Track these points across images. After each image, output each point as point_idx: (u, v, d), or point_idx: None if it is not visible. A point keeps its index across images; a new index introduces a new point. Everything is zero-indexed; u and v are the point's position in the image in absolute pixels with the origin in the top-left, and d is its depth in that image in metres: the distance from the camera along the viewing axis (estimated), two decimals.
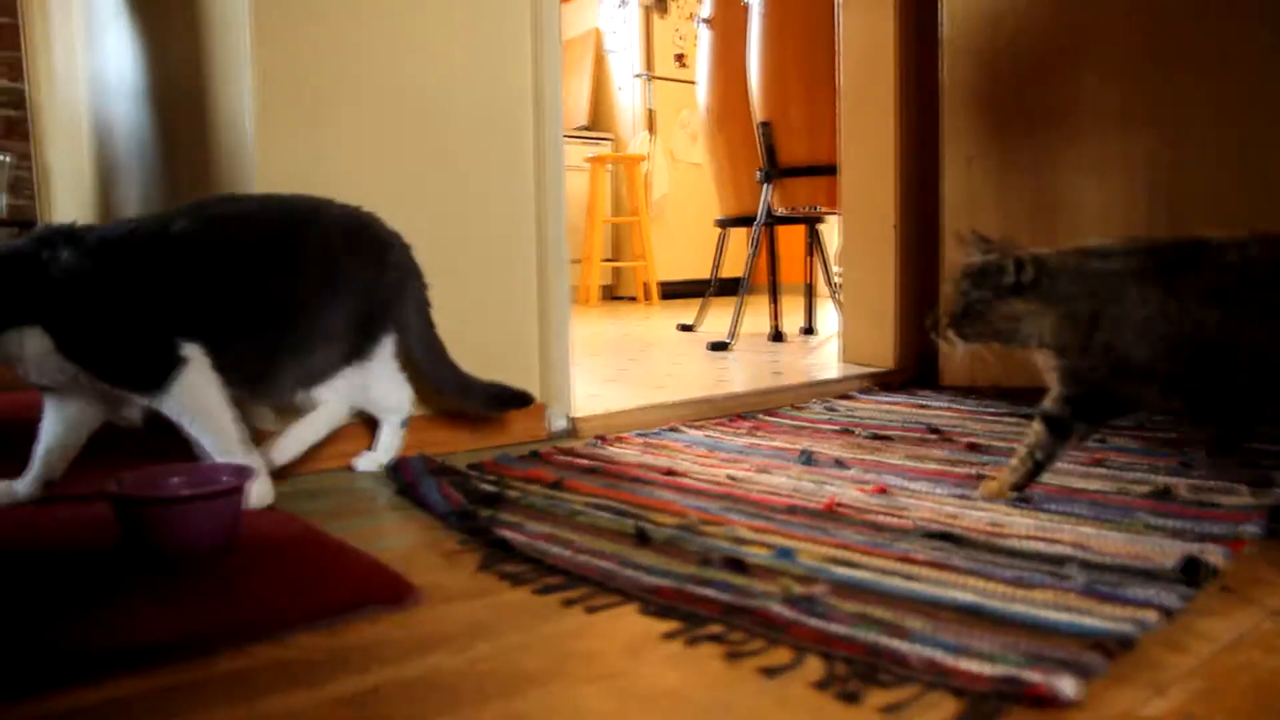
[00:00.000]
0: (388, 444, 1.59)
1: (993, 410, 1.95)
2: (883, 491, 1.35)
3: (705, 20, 3.59)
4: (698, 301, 4.15)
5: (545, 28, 1.80)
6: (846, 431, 1.78)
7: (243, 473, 1.19)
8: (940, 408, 2.01)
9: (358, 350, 1.50)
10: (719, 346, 3.13)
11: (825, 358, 2.85)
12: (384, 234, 1.53)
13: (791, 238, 4.44)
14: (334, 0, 1.58)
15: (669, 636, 0.87)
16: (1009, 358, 2.10)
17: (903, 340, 2.45)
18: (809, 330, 3.61)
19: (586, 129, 6.43)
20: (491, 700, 0.75)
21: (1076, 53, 2.10)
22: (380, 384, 1.56)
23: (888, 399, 2.16)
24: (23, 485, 1.39)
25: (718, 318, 4.10)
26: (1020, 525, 1.17)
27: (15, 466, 1.40)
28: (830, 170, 3.08)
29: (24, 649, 0.86)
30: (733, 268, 4.76)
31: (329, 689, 0.78)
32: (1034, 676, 0.74)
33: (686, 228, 6.25)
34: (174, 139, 1.97)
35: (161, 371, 1.30)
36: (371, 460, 1.58)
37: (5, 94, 3.46)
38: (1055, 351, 1.28)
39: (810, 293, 3.69)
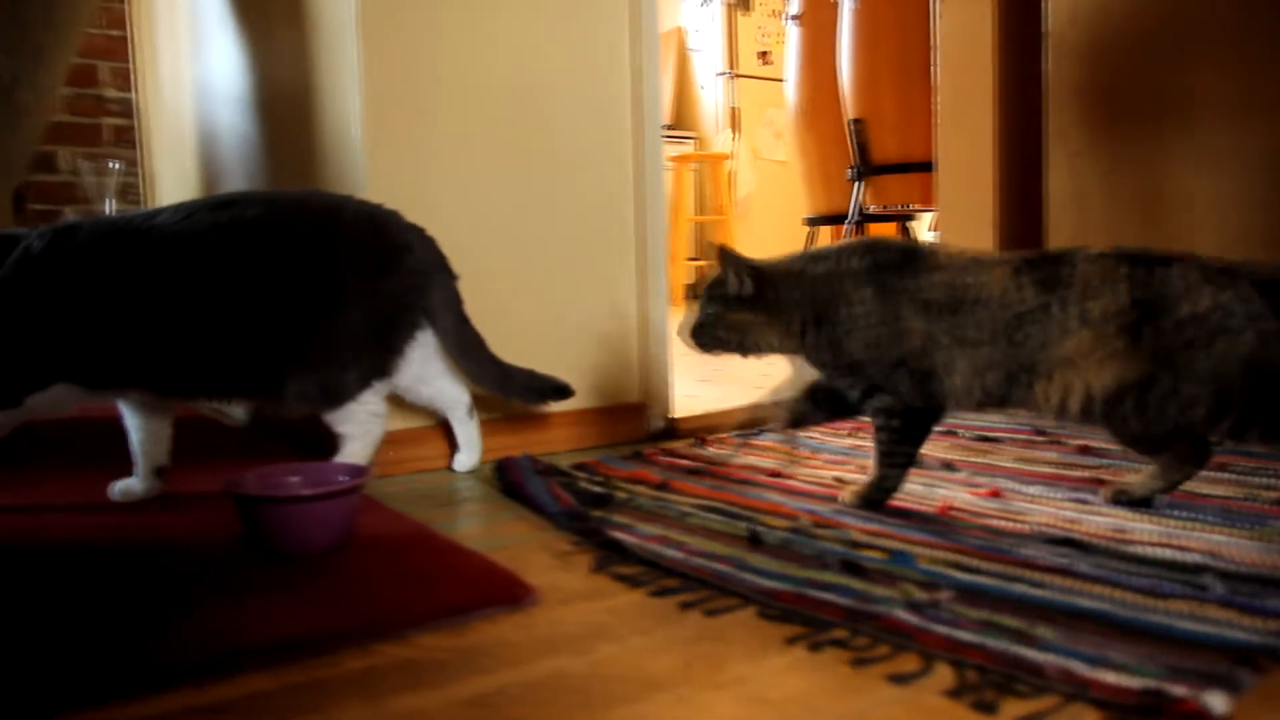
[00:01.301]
0: (467, 439, 1.60)
1: None
2: (997, 495, 1.32)
3: (794, 17, 3.56)
4: None
5: (644, 25, 1.80)
6: (950, 433, 1.75)
7: (359, 472, 1.21)
8: None
9: (381, 368, 1.45)
10: None
11: None
12: (399, 237, 1.47)
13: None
14: (438, 4, 1.60)
15: (791, 641, 0.86)
16: None
17: None
18: None
19: (670, 128, 6.42)
20: (620, 704, 0.75)
21: (1189, 42, 2.03)
22: (430, 384, 1.55)
23: None
24: (138, 481, 1.43)
25: None
26: (1146, 531, 1.13)
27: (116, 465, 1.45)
28: (924, 167, 3.03)
29: (157, 644, 0.89)
30: None
31: (455, 689, 0.79)
32: (1180, 690, 0.71)
33: (771, 226, 6.21)
34: (278, 144, 2.01)
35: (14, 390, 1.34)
36: (465, 460, 1.59)
37: (116, 103, 3.58)
38: (812, 361, 1.33)
39: None
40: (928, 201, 3.11)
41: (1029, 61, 2.28)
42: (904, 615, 0.89)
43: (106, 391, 1.40)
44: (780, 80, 5.62)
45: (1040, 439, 1.67)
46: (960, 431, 1.74)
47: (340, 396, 1.42)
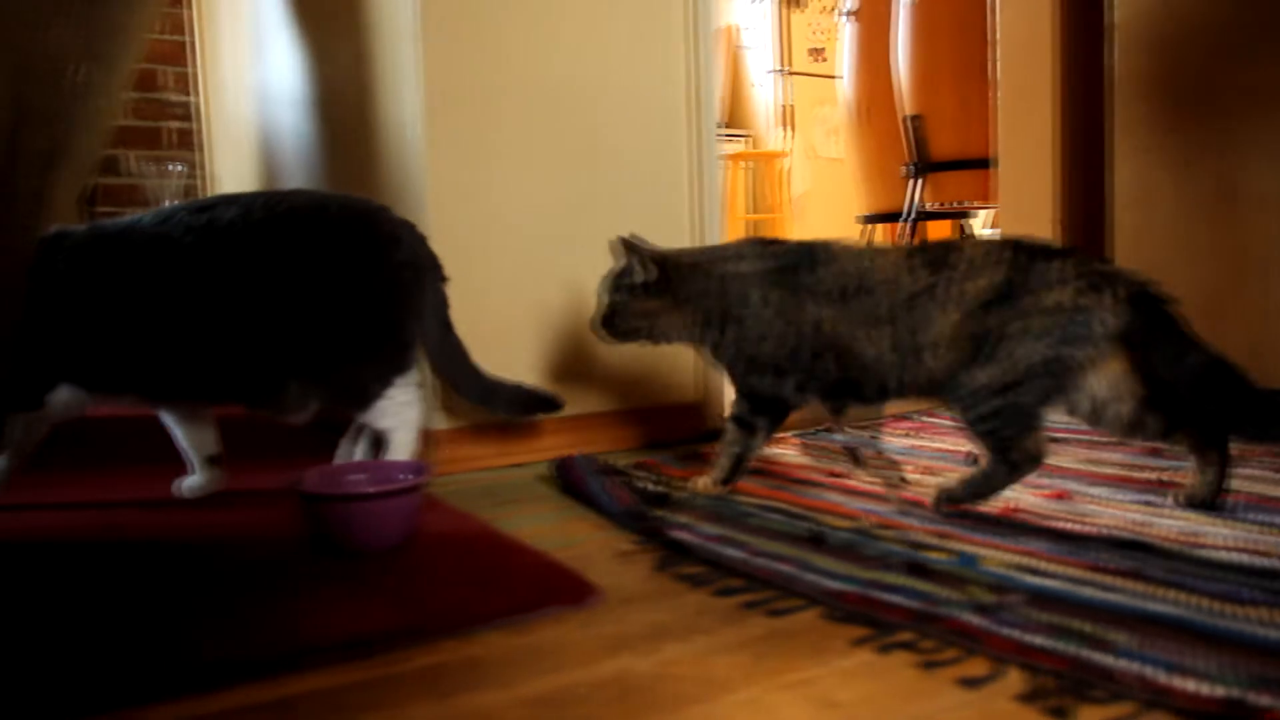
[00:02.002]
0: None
1: None
2: (1063, 497, 1.29)
3: (849, 13, 3.54)
4: None
5: (700, 24, 1.80)
6: None
7: (422, 470, 1.22)
8: None
9: (397, 363, 1.42)
10: None
11: None
12: (387, 230, 1.43)
13: (935, 234, 4.33)
14: (495, 6, 1.61)
15: (858, 643, 0.86)
16: None
17: None
18: None
19: (722, 126, 6.40)
20: (687, 705, 0.74)
21: (1262, 33, 1.98)
22: None
23: None
24: (199, 477, 1.46)
25: None
26: (1218, 535, 1.10)
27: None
28: (982, 164, 2.99)
29: (228, 640, 0.90)
30: None
31: (522, 688, 0.79)
32: (1264, 700, 0.70)
33: (826, 224, 6.16)
34: (337, 145, 2.04)
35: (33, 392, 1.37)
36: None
37: (178, 107, 3.65)
38: (705, 349, 1.40)
39: None
40: (986, 199, 3.07)
41: (1092, 54, 2.24)
42: (971, 618, 0.88)
43: (105, 395, 1.41)
44: (834, 77, 5.59)
45: (1107, 440, 1.64)
46: None
47: (365, 397, 1.40)
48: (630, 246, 1.39)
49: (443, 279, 1.48)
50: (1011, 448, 1.18)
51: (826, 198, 6.19)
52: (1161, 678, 0.74)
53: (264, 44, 2.60)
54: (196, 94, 3.55)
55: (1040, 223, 2.36)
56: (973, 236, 1.22)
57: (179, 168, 3.49)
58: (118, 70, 2.14)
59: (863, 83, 3.49)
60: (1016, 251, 1.20)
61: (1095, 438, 1.65)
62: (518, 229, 1.63)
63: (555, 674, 0.81)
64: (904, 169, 3.24)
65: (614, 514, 1.28)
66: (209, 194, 3.54)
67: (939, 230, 4.40)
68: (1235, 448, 1.22)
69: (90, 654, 0.88)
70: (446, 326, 1.49)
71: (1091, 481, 1.37)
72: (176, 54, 3.62)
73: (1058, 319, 1.15)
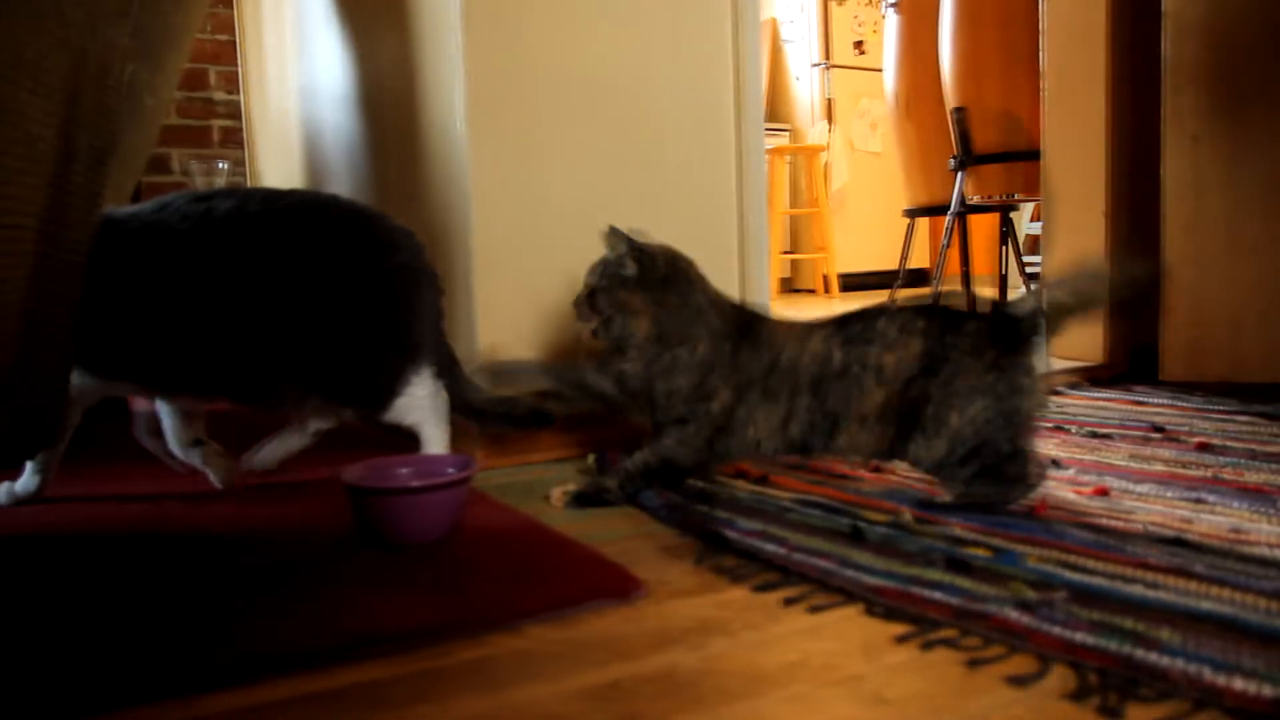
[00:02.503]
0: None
1: (1222, 408, 1.82)
2: (1104, 493, 1.28)
3: (892, 4, 3.51)
4: (876, 294, 4.06)
5: (745, 17, 1.79)
6: (1060, 429, 1.70)
7: (467, 464, 1.23)
8: (1161, 404, 1.90)
9: (410, 356, 1.42)
10: None
11: None
12: (385, 235, 1.43)
13: (980, 227, 4.29)
14: (539, 1, 1.61)
15: (901, 640, 0.85)
16: (1239, 349, 1.97)
17: (1114, 333, 2.33)
18: None
19: (763, 120, 6.38)
20: (735, 700, 0.75)
21: None
22: None
23: (1101, 394, 2.06)
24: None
25: None
26: (1266, 532, 1.08)
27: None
28: (1028, 156, 2.95)
29: (276, 631, 0.91)
30: (916, 258, 4.64)
31: (569, 681, 0.80)
32: None
33: (866, 218, 6.12)
34: (382, 141, 2.05)
35: None
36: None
37: (224, 105, 3.70)
38: (649, 374, 1.40)
39: (1004, 284, 3.56)
40: (1032, 191, 3.03)
41: (1145, 42, 2.21)
42: (1015, 615, 0.87)
43: (108, 381, 1.40)
44: (876, 70, 5.55)
45: (1156, 435, 1.62)
46: (1071, 428, 1.70)
47: (380, 396, 1.41)
48: (619, 237, 1.43)
49: (440, 291, 1.49)
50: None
51: (866, 192, 6.15)
52: (1213, 677, 0.73)
53: (307, 41, 2.63)
54: (242, 92, 3.60)
55: (1091, 215, 2.33)
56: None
57: (225, 165, 3.54)
58: (167, 70, 2.18)
59: (906, 75, 3.46)
60: (929, 320, 1.26)
61: (1146, 434, 1.63)
62: (562, 222, 1.64)
63: (603, 668, 0.82)
64: (949, 162, 3.21)
65: (655, 508, 1.28)
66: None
67: (983, 224, 4.35)
68: None
69: (141, 645, 0.90)
70: (439, 335, 1.49)
71: (1137, 479, 1.35)
72: (223, 53, 3.67)
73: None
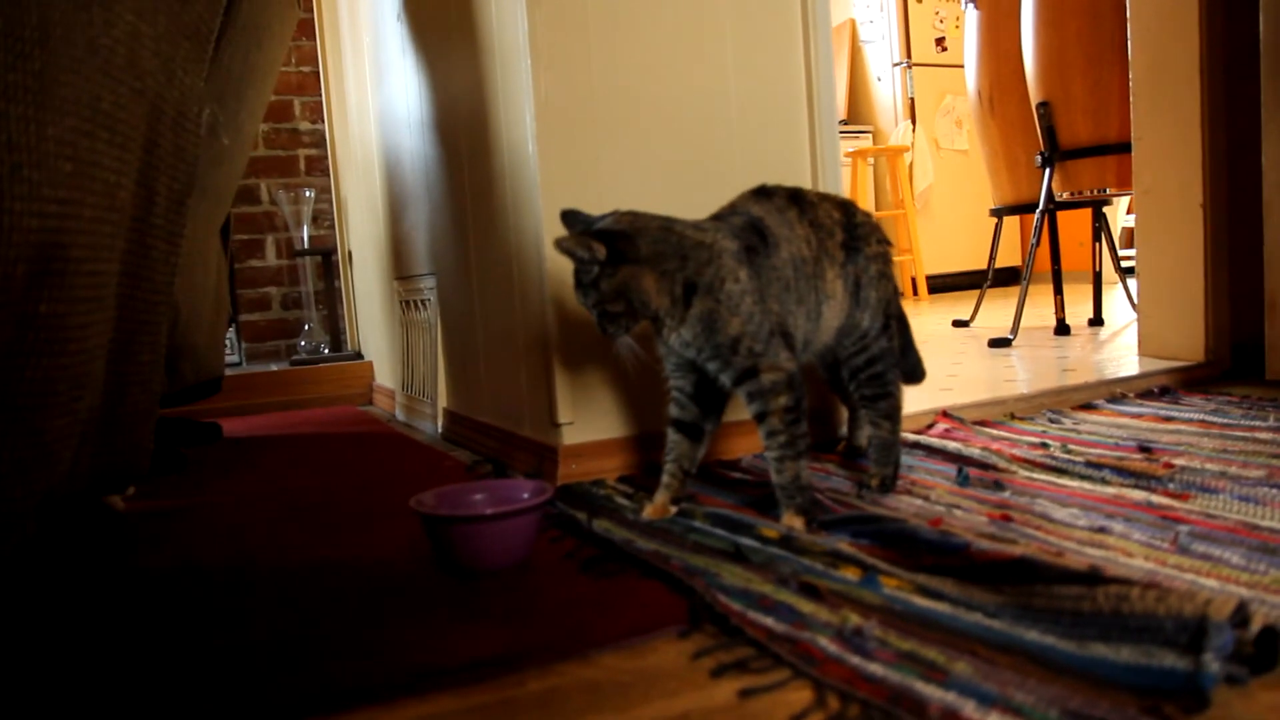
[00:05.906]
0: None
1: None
2: (1007, 519, 1.20)
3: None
4: (965, 295, 3.96)
5: (816, 20, 1.75)
6: (1042, 445, 1.62)
7: (542, 489, 1.22)
8: (1195, 420, 1.69)
9: None
10: (1000, 343, 2.96)
11: (1119, 351, 2.63)
12: None
13: (1071, 223, 4.16)
14: (605, 19, 1.60)
15: (696, 657, 0.87)
16: None
17: (1214, 329, 2.22)
18: (1097, 321, 3.36)
19: (844, 123, 6.29)
20: None
21: None
22: None
23: (1136, 409, 1.90)
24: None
25: (990, 311, 3.89)
26: (1133, 566, 1.01)
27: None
28: (1118, 149, 2.85)
29: (347, 663, 0.91)
30: (1004, 257, 4.51)
31: (639, 711, 0.77)
32: None
33: (953, 218, 5.99)
34: (457, 165, 2.07)
35: None
36: None
37: (309, 135, 3.79)
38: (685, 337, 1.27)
39: (1098, 281, 3.44)
40: (1124, 185, 2.92)
41: (1239, 25, 2.11)
42: (824, 643, 0.85)
43: None
44: (958, 66, 5.43)
45: (1135, 457, 1.44)
46: (1051, 445, 1.57)
47: None
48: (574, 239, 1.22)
49: None
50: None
51: (952, 191, 6.02)
52: (970, 712, 0.69)
53: (385, 70, 2.67)
54: (326, 122, 3.68)
55: (1185, 207, 2.23)
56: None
57: (310, 194, 3.62)
58: (252, 106, 2.24)
59: (988, 71, 3.37)
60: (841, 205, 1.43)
61: (1124, 455, 1.54)
62: None
63: (670, 699, 0.79)
64: (1036, 158, 3.11)
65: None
66: (339, 217, 3.65)
67: (1073, 221, 4.22)
68: None
69: (217, 677, 0.90)
70: None
71: (1059, 501, 1.24)
72: (307, 84, 3.76)
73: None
